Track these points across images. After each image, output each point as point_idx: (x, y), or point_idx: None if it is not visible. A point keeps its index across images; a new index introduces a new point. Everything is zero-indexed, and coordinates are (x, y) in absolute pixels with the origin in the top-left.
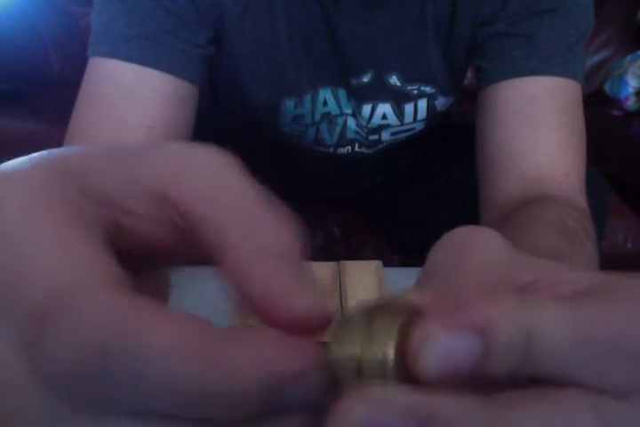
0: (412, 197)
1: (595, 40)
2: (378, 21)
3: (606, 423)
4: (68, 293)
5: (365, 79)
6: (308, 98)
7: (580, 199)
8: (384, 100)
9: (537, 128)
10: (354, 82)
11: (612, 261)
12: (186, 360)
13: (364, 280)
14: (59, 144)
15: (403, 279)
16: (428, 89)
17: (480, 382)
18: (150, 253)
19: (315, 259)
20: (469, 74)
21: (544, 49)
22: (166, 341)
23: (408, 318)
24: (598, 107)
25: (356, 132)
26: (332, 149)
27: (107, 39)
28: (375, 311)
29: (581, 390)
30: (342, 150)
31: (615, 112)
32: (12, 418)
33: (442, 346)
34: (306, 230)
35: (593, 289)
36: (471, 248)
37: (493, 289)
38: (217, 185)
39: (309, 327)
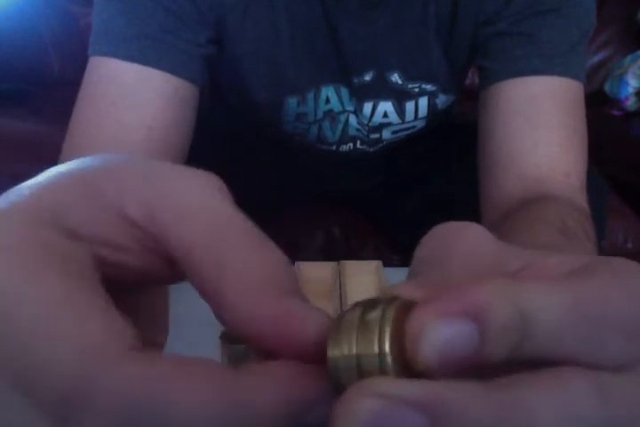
0: (412, 197)
1: (595, 40)
2: (379, 21)
3: (606, 397)
4: (89, 369)
5: (367, 78)
6: (310, 96)
7: (581, 199)
8: (385, 99)
9: (538, 128)
10: (356, 80)
11: None
12: (212, 411)
13: (364, 280)
14: (59, 144)
15: (403, 279)
16: (429, 87)
17: (476, 370)
18: (141, 279)
19: (315, 259)
20: (470, 73)
21: (546, 48)
22: (190, 398)
23: (400, 310)
24: (598, 107)
25: (358, 130)
26: (334, 147)
27: (107, 39)
28: (367, 307)
29: (578, 367)
30: (344, 147)
31: (615, 112)
32: None
33: (438, 335)
34: (306, 230)
35: (582, 269)
36: (457, 240)
37: (481, 276)
38: (202, 213)
39: (313, 352)
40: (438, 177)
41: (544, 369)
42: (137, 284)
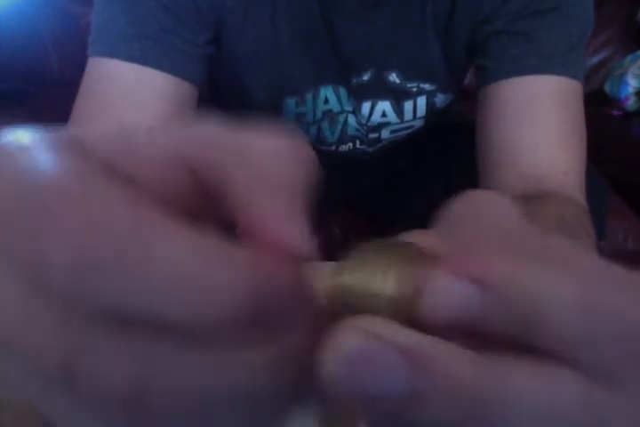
0: (411, 197)
1: (595, 40)
2: (378, 21)
3: (591, 408)
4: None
5: (365, 77)
6: (309, 96)
7: (580, 197)
8: (384, 98)
9: (537, 127)
10: (354, 80)
11: (612, 261)
12: (195, 258)
13: None
14: None
15: None
16: (427, 86)
17: (475, 344)
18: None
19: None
20: (469, 73)
21: (545, 48)
22: (179, 237)
23: (416, 257)
24: (598, 107)
25: (357, 130)
26: (333, 148)
27: (107, 39)
28: (385, 248)
29: (576, 371)
30: (344, 147)
31: (615, 112)
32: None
33: (455, 292)
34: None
35: (605, 274)
36: (487, 211)
37: (509, 240)
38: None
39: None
40: (438, 177)
41: (542, 358)
42: None
